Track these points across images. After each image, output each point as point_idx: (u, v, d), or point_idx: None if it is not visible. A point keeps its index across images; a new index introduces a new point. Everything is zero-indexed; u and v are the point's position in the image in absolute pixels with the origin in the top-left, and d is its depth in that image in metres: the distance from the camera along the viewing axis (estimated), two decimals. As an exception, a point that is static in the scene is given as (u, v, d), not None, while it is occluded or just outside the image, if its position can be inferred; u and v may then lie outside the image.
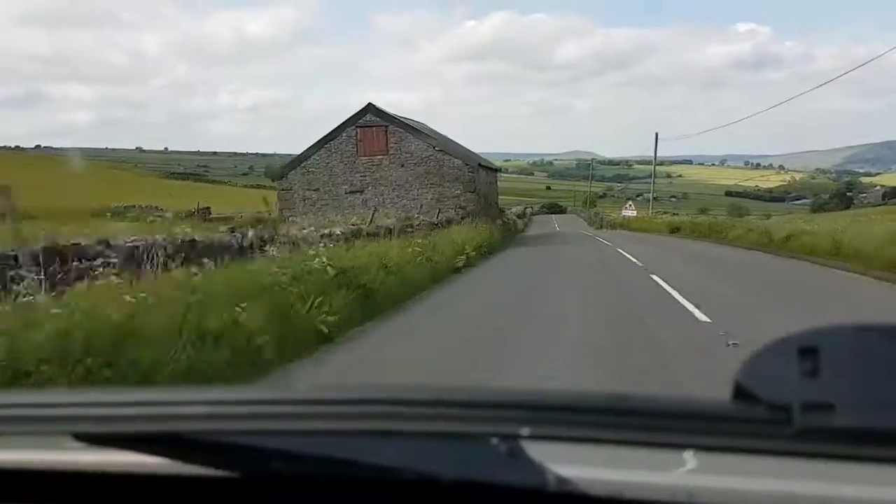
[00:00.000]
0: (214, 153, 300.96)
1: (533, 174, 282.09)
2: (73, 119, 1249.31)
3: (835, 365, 0.71)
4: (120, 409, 0.89)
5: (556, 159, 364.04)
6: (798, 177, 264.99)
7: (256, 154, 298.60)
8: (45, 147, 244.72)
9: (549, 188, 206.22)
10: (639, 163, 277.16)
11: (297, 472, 0.83)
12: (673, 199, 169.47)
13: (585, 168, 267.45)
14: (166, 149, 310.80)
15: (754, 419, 0.71)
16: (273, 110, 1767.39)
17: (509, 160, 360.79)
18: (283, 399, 0.92)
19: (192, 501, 0.90)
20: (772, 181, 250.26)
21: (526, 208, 74.12)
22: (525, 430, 0.75)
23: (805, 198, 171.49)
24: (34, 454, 0.94)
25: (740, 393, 0.73)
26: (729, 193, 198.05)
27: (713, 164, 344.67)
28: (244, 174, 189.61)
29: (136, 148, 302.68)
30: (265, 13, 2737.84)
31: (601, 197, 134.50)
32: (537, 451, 0.76)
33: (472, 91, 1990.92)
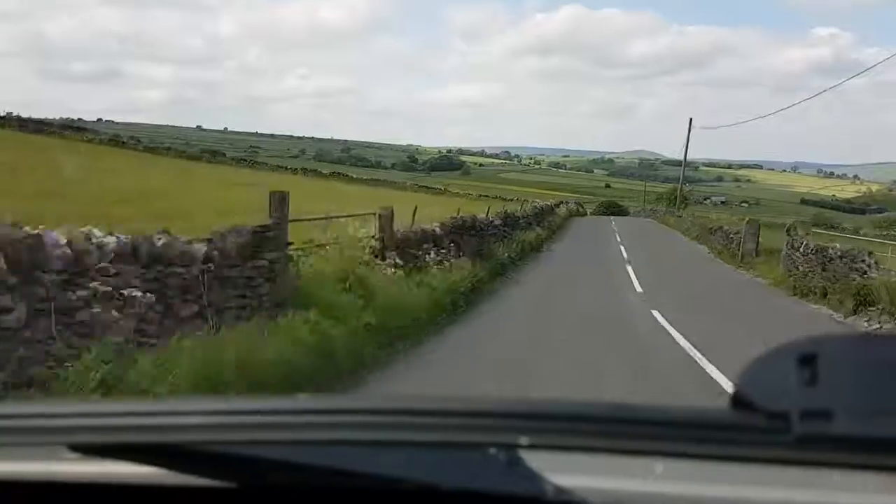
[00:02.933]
0: (272, 135, 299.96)
1: (592, 171, 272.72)
2: (146, 96, 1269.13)
3: (834, 372, 0.70)
4: (116, 420, 0.87)
5: (617, 157, 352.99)
6: (875, 188, 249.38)
7: (313, 138, 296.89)
8: (106, 121, 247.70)
9: (608, 186, 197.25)
10: (706, 165, 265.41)
11: (296, 483, 0.82)
12: (744, 205, 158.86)
13: (648, 167, 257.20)
14: (226, 128, 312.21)
15: (753, 427, 0.70)
16: (336, 97, 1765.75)
17: (568, 156, 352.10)
18: (281, 409, 0.89)
19: None
20: (847, 191, 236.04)
21: (560, 203, 49.84)
22: (524, 440, 0.74)
23: (886, 210, 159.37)
24: (30, 465, 0.93)
25: (739, 401, 0.72)
26: (805, 201, 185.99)
27: (784, 171, 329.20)
28: (294, 157, 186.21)
29: (197, 126, 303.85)
30: (339, 1, 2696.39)
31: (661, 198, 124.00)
32: (536, 460, 0.76)
33: (536, 85, 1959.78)
